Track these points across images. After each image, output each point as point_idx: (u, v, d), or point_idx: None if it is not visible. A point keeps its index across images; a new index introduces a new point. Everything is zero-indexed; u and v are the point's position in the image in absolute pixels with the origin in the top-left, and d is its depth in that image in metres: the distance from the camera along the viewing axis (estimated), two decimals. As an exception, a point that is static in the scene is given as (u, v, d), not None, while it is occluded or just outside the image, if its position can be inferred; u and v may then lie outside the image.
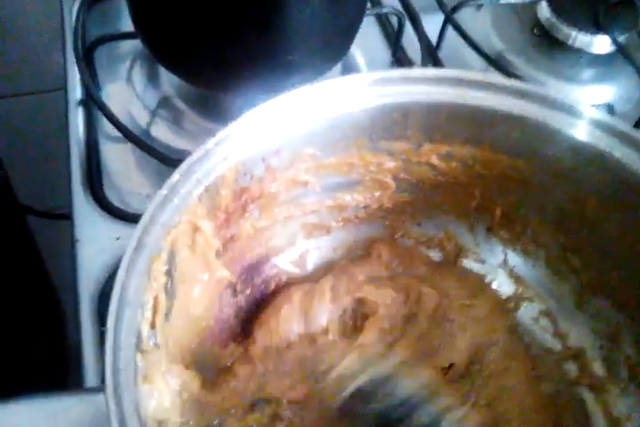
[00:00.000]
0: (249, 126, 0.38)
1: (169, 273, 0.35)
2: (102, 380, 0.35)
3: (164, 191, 0.35)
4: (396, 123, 0.41)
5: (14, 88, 0.96)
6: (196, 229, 0.37)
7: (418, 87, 0.40)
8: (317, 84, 0.40)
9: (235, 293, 0.44)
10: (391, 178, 0.45)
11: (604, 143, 0.38)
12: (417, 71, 0.41)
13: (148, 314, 0.33)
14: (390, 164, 0.44)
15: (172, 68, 0.57)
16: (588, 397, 0.43)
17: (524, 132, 0.40)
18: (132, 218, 0.53)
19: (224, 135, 0.37)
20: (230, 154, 0.37)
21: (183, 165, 0.36)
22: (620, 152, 0.38)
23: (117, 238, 0.53)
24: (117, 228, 0.53)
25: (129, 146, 0.58)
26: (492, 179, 0.43)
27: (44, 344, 0.82)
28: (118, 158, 0.59)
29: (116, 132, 0.58)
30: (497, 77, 0.40)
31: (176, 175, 0.35)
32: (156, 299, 0.34)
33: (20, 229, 0.84)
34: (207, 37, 0.51)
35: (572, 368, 0.45)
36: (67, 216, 0.56)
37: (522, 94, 0.39)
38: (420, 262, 0.47)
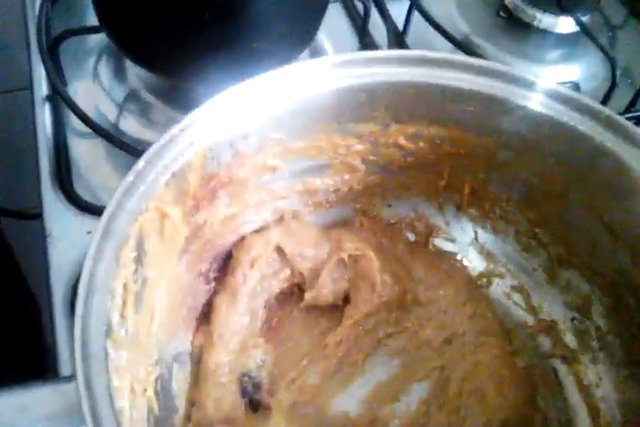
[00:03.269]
0: (215, 111, 0.38)
1: (138, 260, 0.35)
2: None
3: (129, 178, 0.35)
4: (362, 104, 0.41)
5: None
6: (163, 215, 0.36)
7: (382, 68, 0.40)
8: (282, 69, 0.40)
9: (207, 280, 0.44)
10: (360, 161, 0.45)
11: (568, 116, 0.39)
12: (380, 53, 0.41)
13: (118, 301, 0.33)
14: (359, 146, 0.44)
15: (137, 59, 0.56)
16: (561, 368, 0.44)
17: (488, 109, 0.40)
18: (102, 212, 0.53)
19: (190, 121, 0.37)
20: (197, 139, 0.37)
21: (149, 151, 0.36)
22: (583, 125, 0.39)
23: (88, 233, 0.52)
24: (88, 222, 0.53)
25: (98, 141, 0.57)
26: (459, 157, 0.43)
27: (20, 340, 0.81)
28: (87, 153, 0.58)
29: (84, 128, 0.57)
30: (458, 56, 0.40)
31: (141, 162, 0.35)
32: (125, 286, 0.33)
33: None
34: (171, 27, 0.51)
35: (545, 341, 0.45)
36: (37, 216, 0.55)
37: (483, 71, 0.39)
38: (399, 239, 0.47)
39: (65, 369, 0.46)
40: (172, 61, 0.54)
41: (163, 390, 0.39)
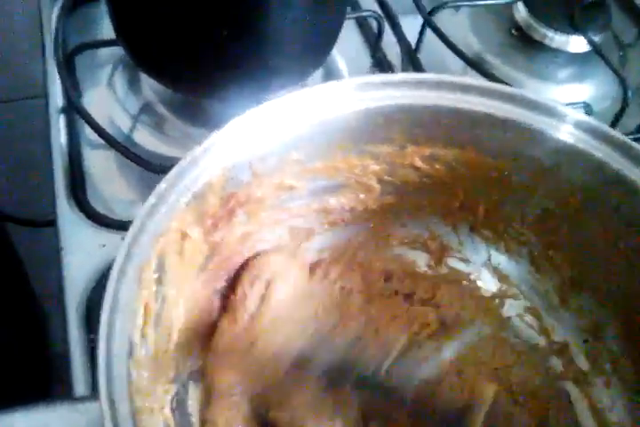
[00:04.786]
0: (235, 133, 0.38)
1: (159, 280, 0.35)
2: (93, 388, 0.35)
3: (152, 200, 0.35)
4: (379, 127, 0.42)
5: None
6: (184, 236, 0.37)
7: (400, 91, 0.40)
8: (302, 91, 0.40)
9: (223, 297, 0.44)
10: (376, 181, 0.45)
11: (585, 143, 0.39)
12: (399, 76, 0.42)
13: (140, 322, 0.33)
14: (375, 167, 0.44)
15: (153, 74, 0.57)
16: (573, 390, 0.44)
17: (506, 134, 0.40)
18: (116, 225, 0.53)
19: (210, 143, 0.37)
20: (217, 161, 0.38)
21: (171, 173, 0.36)
22: (600, 152, 0.39)
23: (103, 246, 0.53)
24: (102, 235, 0.53)
25: (112, 153, 0.58)
26: (474, 179, 0.44)
27: (28, 355, 0.81)
28: (101, 165, 0.59)
29: (98, 139, 0.58)
30: (477, 80, 0.41)
31: (163, 184, 0.36)
32: (146, 306, 0.34)
33: (1, 238, 0.83)
34: (187, 44, 0.51)
35: (557, 363, 0.46)
36: (49, 224, 0.56)
37: (502, 96, 0.40)
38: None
39: (78, 383, 0.46)
40: (188, 78, 0.55)
41: (179, 408, 0.39)
